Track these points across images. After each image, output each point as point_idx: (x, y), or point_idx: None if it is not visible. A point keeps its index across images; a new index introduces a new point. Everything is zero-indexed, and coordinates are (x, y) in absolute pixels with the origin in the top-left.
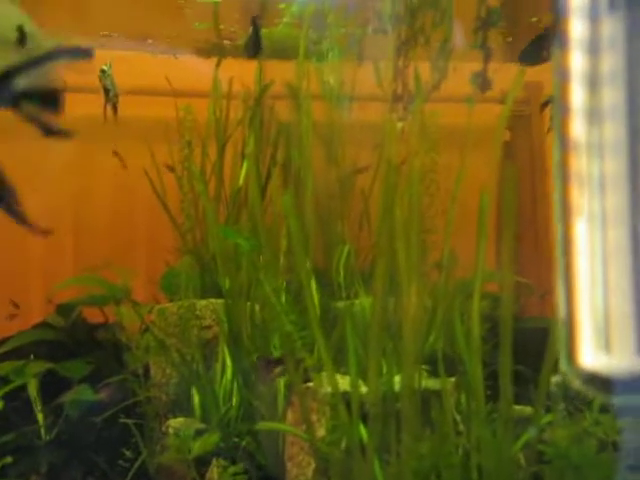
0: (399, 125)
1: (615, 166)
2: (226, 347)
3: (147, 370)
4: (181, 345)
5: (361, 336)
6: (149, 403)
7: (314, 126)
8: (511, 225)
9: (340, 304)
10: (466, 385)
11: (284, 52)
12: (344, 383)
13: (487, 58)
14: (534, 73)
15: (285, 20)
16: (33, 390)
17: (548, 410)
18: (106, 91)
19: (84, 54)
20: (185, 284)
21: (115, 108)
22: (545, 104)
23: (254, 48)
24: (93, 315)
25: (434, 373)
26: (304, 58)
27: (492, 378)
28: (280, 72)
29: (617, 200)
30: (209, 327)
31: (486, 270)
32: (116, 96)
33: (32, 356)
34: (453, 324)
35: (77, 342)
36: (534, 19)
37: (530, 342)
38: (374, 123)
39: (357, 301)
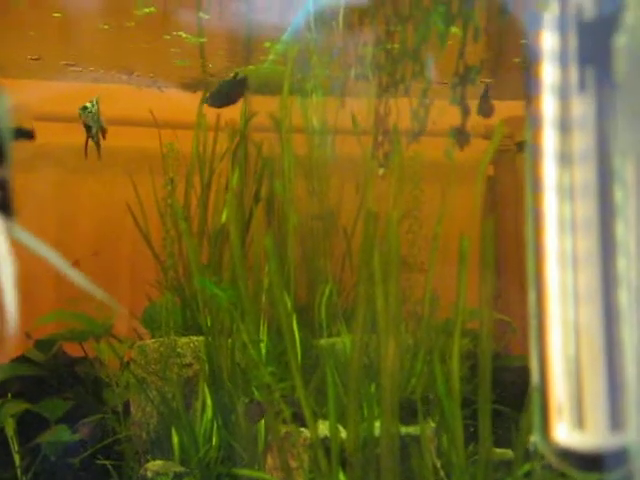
0: (380, 171)
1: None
2: (206, 386)
3: (127, 407)
4: (161, 383)
5: (342, 377)
6: (129, 441)
7: (297, 161)
8: (490, 264)
9: (322, 342)
10: (446, 430)
11: (269, 88)
12: (324, 429)
13: (465, 114)
14: (518, 107)
15: (270, 58)
16: (10, 430)
17: (529, 454)
18: (87, 128)
19: (26, 135)
20: (166, 320)
21: (98, 145)
22: (520, 145)
23: (217, 100)
24: (73, 348)
25: (414, 417)
26: (288, 94)
27: (475, 418)
28: (265, 107)
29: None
30: (190, 365)
31: (467, 309)
32: (103, 130)
33: (10, 393)
34: (434, 367)
35: (57, 377)
36: (516, 60)
37: (513, 381)
38: (357, 158)
39: (339, 339)
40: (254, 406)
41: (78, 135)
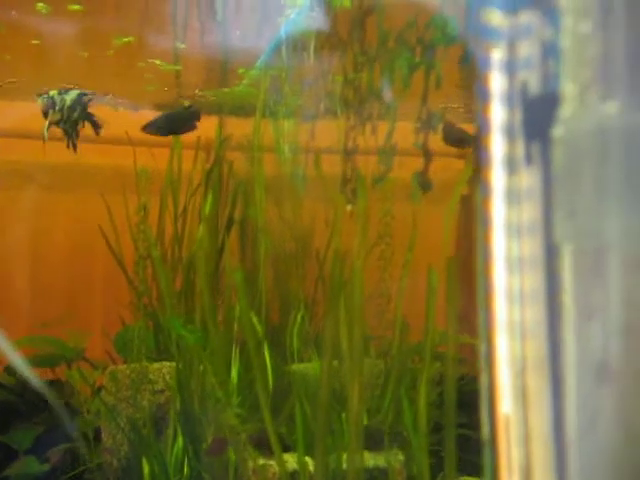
0: (348, 208)
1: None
2: (176, 415)
3: (98, 434)
4: (132, 410)
5: (313, 405)
6: (99, 470)
7: (269, 184)
8: (455, 296)
9: (294, 367)
10: (412, 460)
11: (244, 110)
12: (293, 462)
13: (428, 160)
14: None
15: (244, 82)
16: None
17: None
18: (44, 114)
19: None
20: (138, 345)
21: (73, 136)
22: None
23: (154, 127)
24: (45, 372)
25: (383, 448)
26: (261, 117)
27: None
28: (240, 129)
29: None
30: (162, 391)
31: (437, 332)
32: (96, 125)
33: None
34: (401, 396)
35: (27, 402)
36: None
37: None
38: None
39: (311, 365)
40: (218, 441)
41: (55, 153)
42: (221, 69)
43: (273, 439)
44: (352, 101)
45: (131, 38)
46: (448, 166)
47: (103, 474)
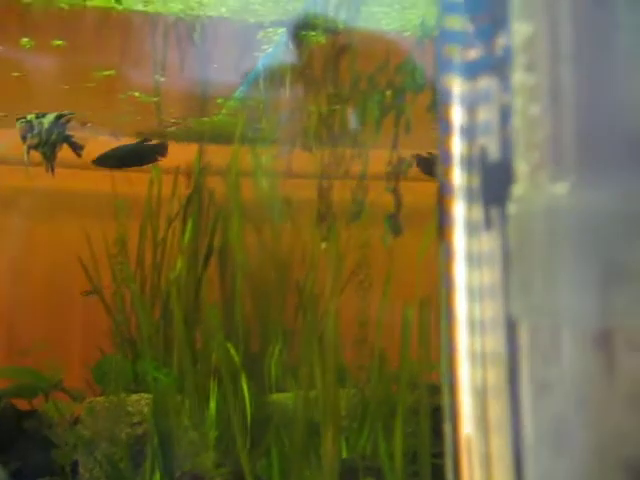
0: (322, 245)
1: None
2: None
3: (76, 466)
4: (109, 443)
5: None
6: None
7: (248, 211)
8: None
9: (274, 397)
10: None
11: (223, 138)
12: None
13: (398, 204)
14: None
15: (224, 112)
16: None
17: None
18: (23, 139)
19: None
20: (116, 377)
21: (51, 159)
22: None
23: (105, 161)
24: (22, 403)
25: None
26: (240, 146)
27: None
28: (219, 156)
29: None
30: (140, 423)
31: (414, 365)
32: (76, 147)
33: None
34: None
35: (3, 433)
36: None
37: None
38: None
39: (290, 395)
40: (190, 476)
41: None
42: (200, 99)
43: (248, 474)
44: (325, 137)
45: (112, 71)
46: (430, 189)
47: None
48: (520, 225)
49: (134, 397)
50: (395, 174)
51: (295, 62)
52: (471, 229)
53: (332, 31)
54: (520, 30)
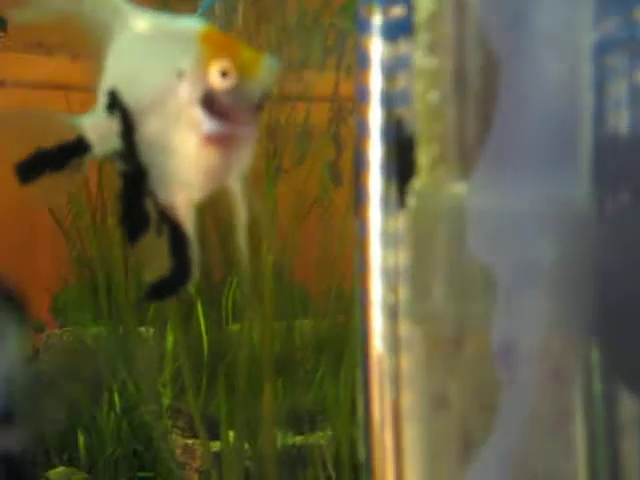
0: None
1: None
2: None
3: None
4: (67, 378)
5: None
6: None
7: None
8: None
9: (233, 328)
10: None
11: None
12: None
13: (339, 151)
14: None
15: None
16: None
17: None
18: None
19: None
20: (74, 309)
21: None
22: None
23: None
24: None
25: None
26: None
27: None
28: None
29: None
30: (97, 359)
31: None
32: None
33: None
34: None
35: None
36: None
37: None
38: None
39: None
40: None
41: None
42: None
43: (197, 418)
44: None
45: None
46: None
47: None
48: (418, 223)
49: (94, 330)
50: (336, 120)
51: None
52: (387, 207)
53: None
54: (423, 5)
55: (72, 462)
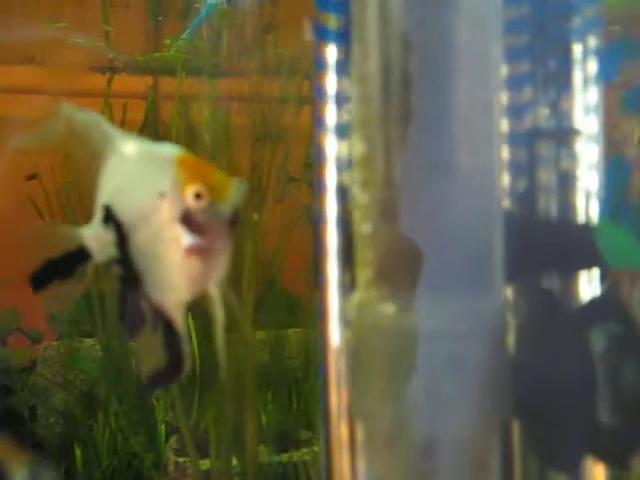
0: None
1: None
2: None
3: (33, 412)
4: (63, 390)
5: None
6: (34, 450)
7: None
8: None
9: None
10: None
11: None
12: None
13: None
14: None
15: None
16: None
17: None
18: None
19: None
20: (69, 319)
21: None
22: None
23: None
24: None
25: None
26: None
27: None
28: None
29: None
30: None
31: None
32: None
33: None
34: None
35: None
36: None
37: None
38: None
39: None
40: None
41: None
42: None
43: (187, 437)
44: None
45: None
46: None
47: (38, 455)
48: (355, 334)
49: (89, 342)
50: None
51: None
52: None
53: None
54: (356, 147)
55: (69, 475)
